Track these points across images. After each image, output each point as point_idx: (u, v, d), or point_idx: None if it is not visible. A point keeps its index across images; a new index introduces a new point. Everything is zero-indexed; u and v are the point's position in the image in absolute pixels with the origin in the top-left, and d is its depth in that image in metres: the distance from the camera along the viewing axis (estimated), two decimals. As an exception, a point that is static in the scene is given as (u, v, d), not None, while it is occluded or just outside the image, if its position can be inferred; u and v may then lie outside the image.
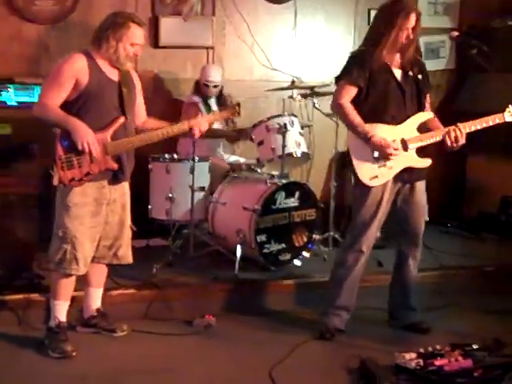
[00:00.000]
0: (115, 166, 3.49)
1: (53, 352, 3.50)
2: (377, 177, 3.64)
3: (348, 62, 3.70)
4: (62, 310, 3.59)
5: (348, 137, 3.75)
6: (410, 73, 3.68)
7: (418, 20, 3.56)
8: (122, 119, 3.49)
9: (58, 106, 3.40)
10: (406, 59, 3.64)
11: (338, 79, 3.71)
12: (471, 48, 3.56)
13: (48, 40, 5.19)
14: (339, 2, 6.06)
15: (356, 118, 3.60)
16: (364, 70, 3.60)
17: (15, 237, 3.99)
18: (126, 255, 3.75)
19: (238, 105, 3.83)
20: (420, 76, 3.69)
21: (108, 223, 3.61)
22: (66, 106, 3.42)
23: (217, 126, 5.19)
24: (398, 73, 3.67)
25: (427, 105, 3.79)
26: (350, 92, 3.63)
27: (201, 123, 3.66)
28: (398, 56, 3.64)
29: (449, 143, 3.62)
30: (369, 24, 5.98)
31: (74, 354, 3.51)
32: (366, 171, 3.64)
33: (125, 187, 3.69)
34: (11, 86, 4.75)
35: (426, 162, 3.68)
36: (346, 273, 3.80)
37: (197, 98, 5.17)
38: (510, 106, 3.56)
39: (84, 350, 3.57)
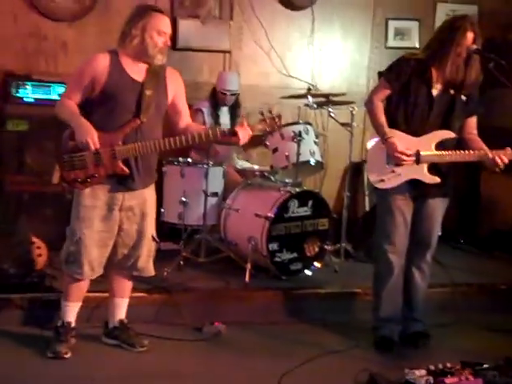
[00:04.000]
0: (126, 170, 3.34)
1: (49, 352, 3.48)
2: (383, 180, 3.71)
3: (394, 63, 3.75)
4: (69, 311, 3.56)
5: (371, 137, 3.86)
6: (451, 91, 3.65)
7: (474, 40, 3.54)
8: (136, 122, 3.34)
9: (78, 104, 3.35)
10: (449, 78, 3.60)
11: (380, 75, 3.80)
12: (488, 62, 3.55)
13: (66, 37, 5.19)
14: (357, 10, 6.05)
15: (381, 118, 3.68)
16: (404, 76, 3.65)
17: (28, 235, 3.95)
18: (147, 267, 3.60)
19: (279, 117, 3.46)
20: (464, 97, 3.65)
21: (124, 230, 3.48)
22: (87, 105, 3.37)
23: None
24: (436, 88, 3.66)
25: (469, 127, 3.75)
26: (385, 91, 3.72)
27: (245, 131, 3.37)
28: (447, 71, 3.60)
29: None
30: (386, 33, 6.09)
31: (66, 355, 3.47)
32: (376, 173, 3.75)
33: (146, 194, 3.50)
34: (29, 82, 4.74)
35: (434, 180, 3.66)
36: (381, 285, 3.84)
37: (204, 105, 5.13)
38: None
39: (92, 349, 3.59)
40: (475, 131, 3.76)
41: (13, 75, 4.79)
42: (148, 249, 3.58)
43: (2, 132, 4.67)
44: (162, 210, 4.73)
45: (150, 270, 3.65)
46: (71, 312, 3.56)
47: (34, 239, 3.95)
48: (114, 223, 3.44)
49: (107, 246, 3.47)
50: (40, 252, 3.92)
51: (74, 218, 3.43)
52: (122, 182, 3.39)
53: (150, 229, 3.56)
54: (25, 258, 3.91)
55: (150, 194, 3.55)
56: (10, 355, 3.49)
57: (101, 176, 3.34)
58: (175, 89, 3.53)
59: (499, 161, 3.55)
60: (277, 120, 3.45)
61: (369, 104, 3.75)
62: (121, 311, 3.69)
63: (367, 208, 5.76)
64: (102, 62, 3.34)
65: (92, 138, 3.26)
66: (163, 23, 3.36)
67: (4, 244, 3.88)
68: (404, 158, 3.61)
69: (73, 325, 3.57)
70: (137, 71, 3.40)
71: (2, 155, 4.65)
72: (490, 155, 3.57)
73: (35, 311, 3.83)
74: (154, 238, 3.59)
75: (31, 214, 4.03)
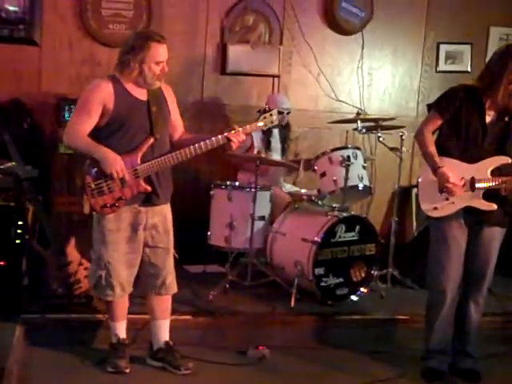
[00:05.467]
0: (148, 188, 3.43)
1: (109, 367, 3.57)
2: (436, 208, 3.64)
3: (444, 94, 3.71)
4: (118, 328, 3.64)
5: (422, 166, 3.82)
6: (506, 118, 3.60)
7: None
8: (151, 140, 3.43)
9: (87, 133, 3.39)
10: (502, 105, 3.54)
11: (429, 107, 3.77)
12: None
13: (119, 63, 5.29)
14: (407, 35, 6.03)
15: (430, 148, 3.64)
16: (454, 105, 3.60)
17: (76, 256, 4.03)
18: (173, 285, 3.66)
19: (274, 112, 3.54)
20: None
21: (151, 249, 3.56)
22: (96, 132, 3.41)
23: (277, 157, 5.19)
24: (490, 115, 3.61)
25: None
26: (435, 122, 3.68)
27: (239, 134, 3.48)
28: (499, 98, 3.54)
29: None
30: (437, 57, 6.04)
31: (127, 370, 3.55)
32: (428, 201, 3.68)
33: (165, 211, 3.59)
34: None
35: (491, 206, 3.56)
36: (434, 315, 3.75)
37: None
38: None
39: (137, 371, 3.61)
40: None
41: (65, 99, 4.91)
42: (172, 266, 3.66)
43: (54, 155, 4.80)
44: (209, 233, 4.76)
45: (175, 287, 3.69)
46: (121, 329, 3.64)
47: (82, 260, 4.02)
48: (139, 243, 3.52)
49: (135, 266, 3.56)
50: (87, 273, 3.97)
51: (98, 243, 3.50)
52: (147, 200, 3.49)
53: (172, 245, 3.64)
54: (72, 279, 3.98)
55: (168, 210, 3.63)
56: (57, 373, 3.54)
57: (127, 198, 3.43)
58: (171, 103, 3.63)
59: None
60: (272, 115, 3.51)
61: (419, 136, 3.70)
62: (164, 333, 3.70)
63: (415, 233, 5.66)
64: (107, 88, 3.40)
65: (121, 167, 3.35)
66: (161, 54, 3.41)
67: (53, 264, 3.96)
68: (455, 189, 3.53)
69: (126, 341, 3.65)
70: (139, 92, 3.48)
71: (54, 177, 4.77)
72: None
73: (82, 331, 3.88)
74: (173, 255, 3.66)
75: (80, 235, 4.10)
